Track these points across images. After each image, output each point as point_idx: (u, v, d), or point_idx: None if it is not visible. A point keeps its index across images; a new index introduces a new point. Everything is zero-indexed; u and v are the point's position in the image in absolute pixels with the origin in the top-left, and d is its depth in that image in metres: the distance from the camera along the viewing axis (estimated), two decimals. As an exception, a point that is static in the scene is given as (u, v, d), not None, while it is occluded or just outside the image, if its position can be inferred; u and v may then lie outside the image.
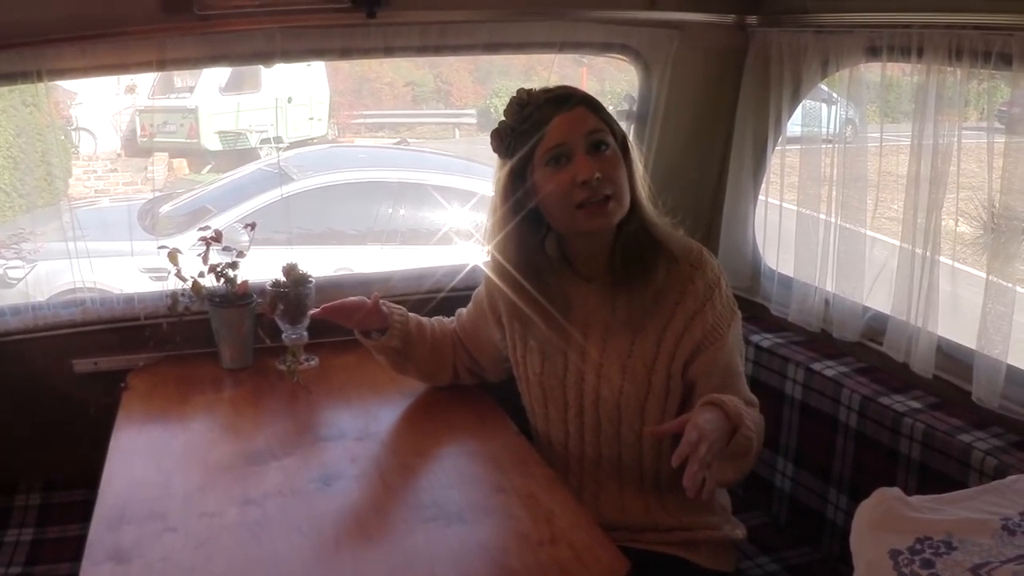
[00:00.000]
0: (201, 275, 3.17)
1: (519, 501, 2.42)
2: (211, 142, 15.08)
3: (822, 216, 3.25)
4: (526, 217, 2.61)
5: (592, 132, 2.51)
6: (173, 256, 3.15)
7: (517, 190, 2.59)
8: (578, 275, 2.68)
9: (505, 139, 2.59)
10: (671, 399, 2.62)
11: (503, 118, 2.61)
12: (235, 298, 3.16)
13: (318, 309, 2.87)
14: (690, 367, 2.60)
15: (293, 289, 3.09)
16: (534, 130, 2.53)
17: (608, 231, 2.58)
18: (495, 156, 2.65)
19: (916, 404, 2.80)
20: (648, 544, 2.64)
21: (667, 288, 2.57)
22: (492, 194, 2.67)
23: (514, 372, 2.85)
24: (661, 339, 2.58)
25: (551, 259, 2.69)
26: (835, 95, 3.29)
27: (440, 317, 3.05)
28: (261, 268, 3.22)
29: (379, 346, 2.91)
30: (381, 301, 2.88)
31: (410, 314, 2.97)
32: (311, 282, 3.13)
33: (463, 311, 3.00)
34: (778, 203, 3.49)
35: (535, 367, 2.75)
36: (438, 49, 3.35)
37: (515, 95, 2.60)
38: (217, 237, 3.17)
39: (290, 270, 3.11)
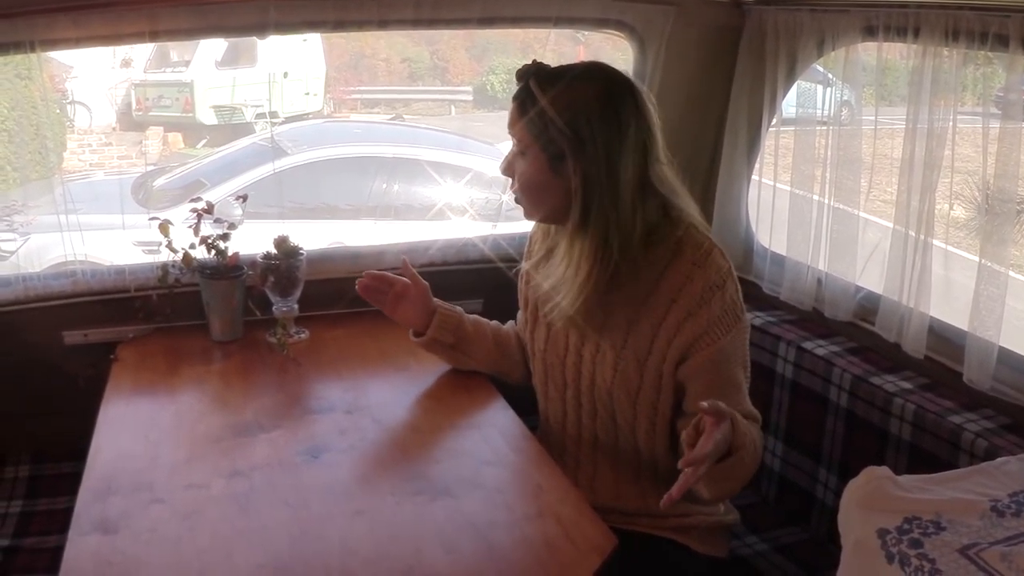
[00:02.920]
0: (192, 247, 3.16)
1: (507, 475, 2.43)
2: (206, 116, 15.08)
3: (816, 197, 3.24)
4: None
5: (511, 130, 2.54)
6: (164, 227, 3.14)
7: None
8: None
9: None
10: (663, 397, 2.58)
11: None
12: (226, 270, 3.15)
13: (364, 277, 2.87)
14: (680, 368, 2.53)
15: (284, 261, 3.09)
16: None
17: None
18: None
19: (907, 384, 2.80)
20: (641, 528, 2.63)
21: (666, 284, 2.50)
22: None
23: (528, 350, 2.85)
24: (655, 336, 2.52)
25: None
26: (831, 77, 3.27)
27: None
28: (254, 242, 3.21)
29: (427, 341, 2.90)
30: (437, 302, 2.91)
31: (465, 314, 2.96)
32: (302, 254, 3.13)
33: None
34: (772, 183, 3.49)
35: (540, 344, 2.75)
36: (432, 22, 3.33)
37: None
38: (209, 209, 3.16)
39: (281, 242, 3.11)
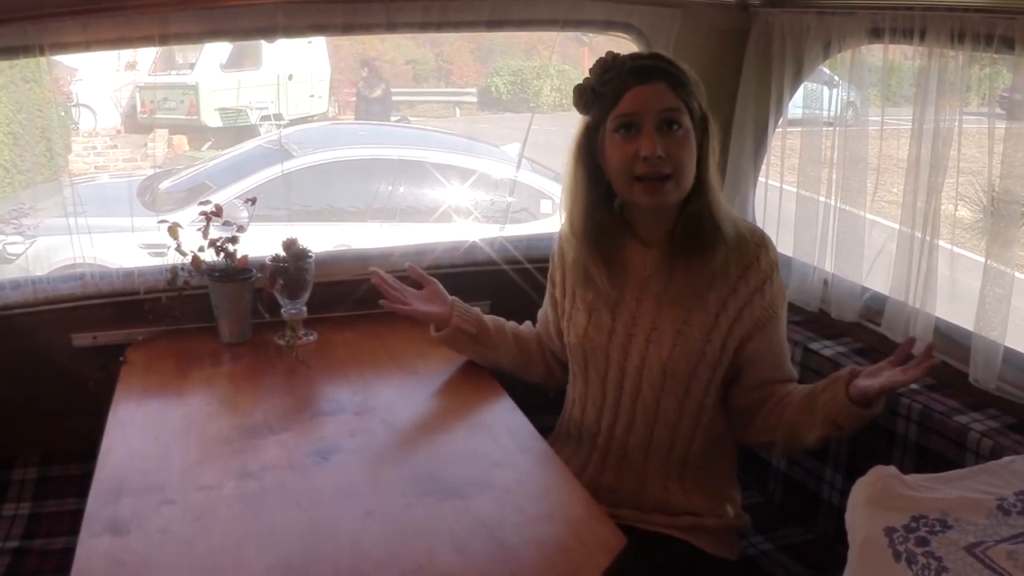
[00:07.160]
0: (201, 249, 3.17)
1: (517, 476, 2.43)
2: (211, 119, 15.12)
3: (822, 198, 3.25)
4: (593, 175, 2.64)
5: (665, 110, 2.51)
6: (173, 230, 3.15)
7: (588, 147, 2.63)
8: (637, 239, 2.68)
9: (584, 97, 2.62)
10: (718, 371, 2.65)
11: (587, 75, 2.63)
12: (235, 272, 3.16)
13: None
14: (747, 345, 2.64)
15: (293, 264, 3.09)
16: (610, 95, 2.55)
17: (664, 208, 2.61)
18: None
19: (913, 384, 2.79)
20: (655, 526, 2.65)
21: (732, 262, 2.61)
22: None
23: (564, 340, 2.84)
24: (721, 311, 2.61)
25: (614, 219, 2.70)
26: (836, 78, 3.28)
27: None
28: (261, 245, 3.22)
29: (451, 331, 2.93)
30: (453, 300, 2.97)
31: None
32: (311, 257, 3.14)
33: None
34: (778, 185, 3.49)
35: (579, 328, 2.74)
36: (440, 25, 3.35)
37: (603, 56, 2.61)
38: (218, 212, 3.17)
39: (290, 245, 3.12)
